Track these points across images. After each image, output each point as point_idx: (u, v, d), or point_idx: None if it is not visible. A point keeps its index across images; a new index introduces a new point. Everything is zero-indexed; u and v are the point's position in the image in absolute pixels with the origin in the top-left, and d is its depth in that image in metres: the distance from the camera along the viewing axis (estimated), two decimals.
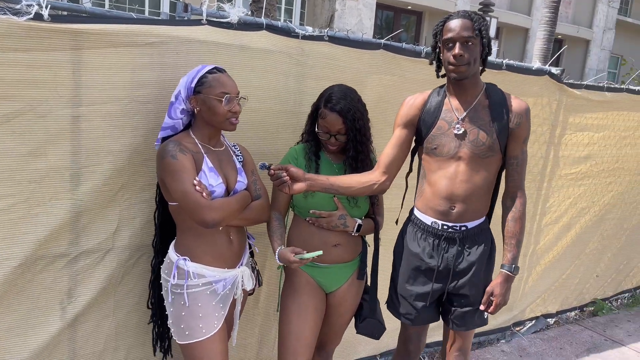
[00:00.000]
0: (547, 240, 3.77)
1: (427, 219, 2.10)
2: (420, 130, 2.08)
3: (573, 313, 4.34)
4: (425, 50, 2.71)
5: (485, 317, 2.16)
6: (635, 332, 4.12)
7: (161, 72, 2.00)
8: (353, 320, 2.31)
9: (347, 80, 2.36)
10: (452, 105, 2.03)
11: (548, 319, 4.11)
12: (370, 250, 2.27)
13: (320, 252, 1.89)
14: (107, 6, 8.59)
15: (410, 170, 2.26)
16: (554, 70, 3.29)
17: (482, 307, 2.06)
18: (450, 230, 2.06)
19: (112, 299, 2.11)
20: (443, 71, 2.04)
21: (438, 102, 2.06)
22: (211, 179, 1.83)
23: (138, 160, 2.03)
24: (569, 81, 3.42)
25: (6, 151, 1.77)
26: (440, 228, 2.07)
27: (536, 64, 3.27)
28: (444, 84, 2.10)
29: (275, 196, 2.12)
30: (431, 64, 2.08)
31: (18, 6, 1.69)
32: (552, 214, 3.73)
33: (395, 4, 13.07)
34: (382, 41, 2.59)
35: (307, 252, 1.89)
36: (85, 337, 2.08)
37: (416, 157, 2.22)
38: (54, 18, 1.76)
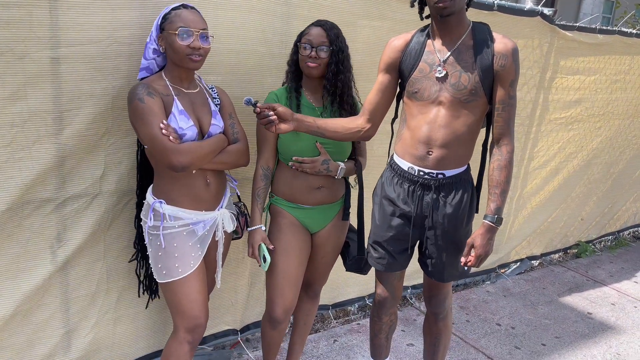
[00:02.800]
0: (534, 185, 3.82)
1: (404, 164, 2.04)
2: (402, 73, 2.01)
3: (557, 255, 4.46)
4: None
5: (466, 268, 2.11)
6: (617, 273, 4.25)
7: (143, 11, 1.94)
8: (341, 261, 2.36)
9: (335, 22, 2.30)
10: (435, 47, 1.94)
11: (532, 261, 4.22)
12: (355, 191, 2.29)
13: (267, 261, 2.06)
14: None
15: (396, 116, 2.20)
16: (546, 11, 3.22)
17: (462, 260, 1.98)
18: (426, 176, 2.00)
19: (102, 243, 2.13)
20: (427, 12, 1.96)
21: (421, 43, 1.96)
22: (181, 122, 1.81)
23: (122, 104, 1.99)
24: (561, 22, 3.36)
25: None
26: (416, 174, 2.01)
27: (528, 4, 3.20)
28: (429, 24, 2.00)
29: (262, 146, 2.11)
30: (412, 5, 1.98)
31: None
32: (540, 159, 3.76)
33: None
34: None
35: (269, 250, 2.08)
36: (77, 280, 2.11)
37: (402, 103, 2.14)
38: None
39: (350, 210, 2.26)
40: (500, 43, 1.88)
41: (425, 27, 2.01)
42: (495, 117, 1.93)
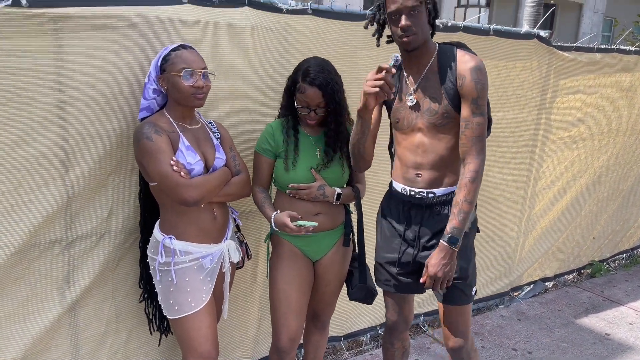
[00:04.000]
0: (542, 205, 3.79)
1: (398, 186, 2.08)
2: (386, 105, 2.08)
3: (571, 276, 4.40)
4: None
5: (472, 292, 2.07)
6: (633, 292, 4.17)
7: (144, 53, 1.99)
8: (346, 289, 2.35)
9: (333, 54, 2.35)
10: (406, 77, 1.99)
11: (546, 283, 4.16)
12: (355, 218, 2.29)
13: (315, 224, 1.95)
14: None
15: (391, 142, 2.22)
16: (543, 33, 3.26)
17: (421, 280, 1.94)
18: (417, 196, 2.02)
19: (110, 282, 2.13)
20: (385, 39, 2.01)
21: (398, 75, 2.01)
22: (189, 157, 1.86)
23: (127, 143, 2.02)
24: (558, 43, 3.40)
25: None
26: (408, 194, 2.04)
27: (524, 27, 3.24)
28: None
29: (257, 172, 2.15)
30: (366, 27, 2.01)
31: None
32: (547, 179, 3.74)
33: None
34: (367, 12, 2.57)
35: (303, 220, 1.96)
36: (86, 321, 2.10)
37: None
38: (32, 3, 1.75)
39: (351, 237, 2.25)
40: (461, 62, 1.89)
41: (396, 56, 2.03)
42: (460, 136, 1.91)
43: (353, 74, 2.49)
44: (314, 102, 2.03)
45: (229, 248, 2.04)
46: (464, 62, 1.88)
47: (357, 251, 2.31)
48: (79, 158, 1.94)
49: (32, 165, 1.85)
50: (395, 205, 2.10)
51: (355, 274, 2.28)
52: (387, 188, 2.20)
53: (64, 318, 2.04)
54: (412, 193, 2.04)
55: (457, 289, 2.04)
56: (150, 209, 2.06)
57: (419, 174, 2.00)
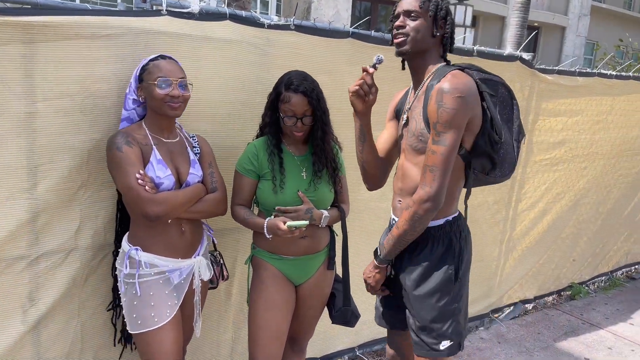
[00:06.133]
0: (523, 226, 3.79)
1: (390, 214, 2.00)
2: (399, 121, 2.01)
3: (551, 298, 4.38)
4: None
5: (440, 347, 1.83)
6: (612, 315, 4.17)
7: (120, 65, 1.94)
8: (327, 312, 2.28)
9: (315, 70, 2.31)
10: (410, 93, 1.93)
11: (526, 305, 4.14)
12: (339, 240, 2.24)
13: (307, 222, 1.90)
14: None
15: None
16: (525, 55, 3.28)
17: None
18: None
19: (76, 300, 2.05)
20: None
21: (408, 92, 1.96)
22: (159, 171, 1.82)
23: (98, 157, 1.96)
24: (541, 66, 3.42)
25: None
26: (390, 223, 1.98)
27: (507, 49, 3.26)
28: None
29: (239, 191, 2.08)
30: (391, 44, 1.88)
31: None
32: (528, 200, 3.74)
33: None
34: (350, 29, 2.55)
35: (291, 224, 1.89)
36: (50, 340, 2.01)
37: None
38: (2, 10, 1.69)
39: (335, 259, 2.20)
40: (440, 82, 1.69)
41: None
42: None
43: (335, 90, 2.46)
44: (300, 110, 1.96)
45: (199, 265, 1.99)
46: (441, 82, 1.68)
47: (342, 273, 2.25)
48: (47, 170, 1.87)
49: None
50: (386, 233, 2.02)
51: (337, 296, 2.22)
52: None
53: (26, 337, 1.95)
54: (393, 222, 1.95)
55: (418, 338, 1.88)
56: (126, 221, 2.01)
57: (400, 200, 1.90)
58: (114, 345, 2.19)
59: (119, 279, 1.92)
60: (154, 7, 2.05)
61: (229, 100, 2.25)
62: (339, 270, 2.29)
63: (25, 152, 1.82)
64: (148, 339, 1.86)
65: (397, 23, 1.78)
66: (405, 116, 1.88)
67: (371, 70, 1.79)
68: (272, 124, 2.05)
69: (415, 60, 1.84)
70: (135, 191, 1.74)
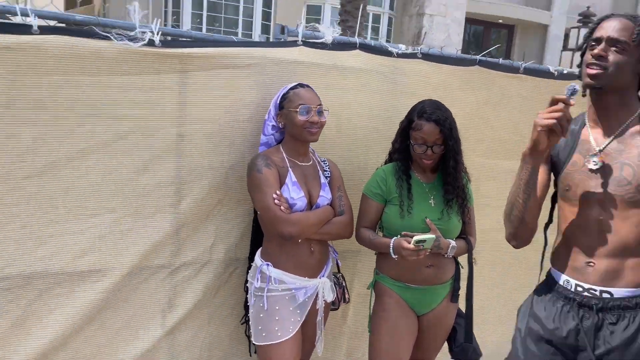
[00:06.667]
0: None
1: (559, 276, 1.67)
2: (554, 168, 1.70)
3: None
4: (523, 65, 2.60)
5: None
6: None
7: (259, 91, 2.08)
8: (446, 345, 2.23)
9: (441, 97, 2.31)
10: (591, 133, 1.62)
11: None
12: (465, 272, 2.19)
13: (434, 237, 1.86)
14: (204, 30, 9.12)
15: (550, 221, 1.84)
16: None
17: None
18: (585, 293, 1.58)
19: (206, 310, 2.19)
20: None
21: (575, 131, 1.65)
22: (293, 193, 1.92)
23: (235, 177, 2.10)
24: None
25: (117, 167, 1.91)
26: (572, 289, 1.61)
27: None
28: (584, 112, 1.69)
29: (365, 214, 2.11)
30: (578, 76, 1.63)
31: (132, 33, 1.83)
32: None
33: (485, 18, 12.75)
34: (478, 57, 2.53)
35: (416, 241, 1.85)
36: (182, 345, 2.16)
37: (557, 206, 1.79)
38: (164, 43, 1.89)
39: (459, 293, 2.15)
40: None
41: (581, 114, 1.72)
42: None
43: (460, 118, 2.43)
44: (431, 139, 1.97)
45: (324, 286, 2.05)
46: None
47: (464, 307, 2.19)
48: (191, 188, 2.04)
49: (150, 192, 1.97)
50: (552, 301, 1.67)
51: (459, 331, 2.17)
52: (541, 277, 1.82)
53: (163, 341, 2.11)
54: (579, 289, 1.60)
55: None
56: (259, 237, 2.12)
57: (591, 262, 1.58)
58: (250, 356, 2.29)
59: (249, 291, 2.03)
60: (289, 38, 2.19)
61: (358, 127, 2.32)
62: (461, 304, 2.23)
63: (174, 170, 2.00)
64: (270, 351, 1.95)
65: (597, 51, 1.52)
66: (596, 159, 1.59)
67: (571, 102, 1.46)
68: (401, 151, 2.08)
69: (609, 96, 1.58)
70: (272, 212, 1.86)
